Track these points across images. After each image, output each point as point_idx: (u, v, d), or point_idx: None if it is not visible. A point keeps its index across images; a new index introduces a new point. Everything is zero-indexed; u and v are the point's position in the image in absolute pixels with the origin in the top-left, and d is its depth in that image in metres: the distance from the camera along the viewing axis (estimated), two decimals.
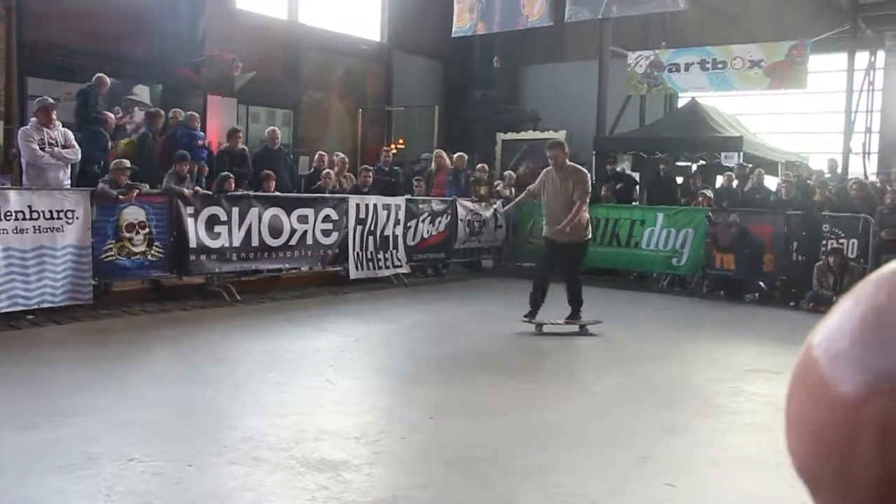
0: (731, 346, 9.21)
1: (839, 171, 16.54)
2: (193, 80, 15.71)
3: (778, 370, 7.49)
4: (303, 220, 11.51)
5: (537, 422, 5.73)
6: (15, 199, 8.66)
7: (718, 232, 12.83)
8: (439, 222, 13.82)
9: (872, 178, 17.18)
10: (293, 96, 19.01)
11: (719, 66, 17.54)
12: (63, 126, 9.86)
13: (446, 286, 13.35)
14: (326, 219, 11.84)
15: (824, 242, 12.07)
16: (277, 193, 11.56)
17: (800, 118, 20.46)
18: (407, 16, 21.42)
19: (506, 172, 16.89)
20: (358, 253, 12.28)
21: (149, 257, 9.84)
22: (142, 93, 15.43)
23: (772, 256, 12.54)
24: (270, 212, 11.09)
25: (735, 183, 14.91)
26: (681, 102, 20.37)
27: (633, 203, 15.73)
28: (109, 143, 11.20)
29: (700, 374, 7.58)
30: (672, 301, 12.36)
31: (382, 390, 6.82)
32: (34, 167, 9.48)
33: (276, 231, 11.14)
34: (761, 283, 12.49)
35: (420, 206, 13.54)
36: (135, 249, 9.69)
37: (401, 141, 20.01)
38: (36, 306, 8.76)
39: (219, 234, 10.50)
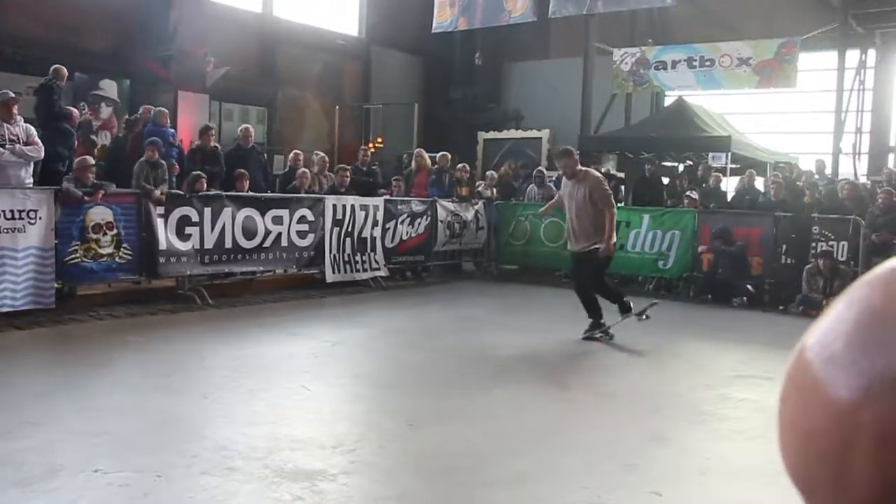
0: (718, 351, 9.25)
1: (827, 172, 16.68)
2: (163, 75, 15.63)
3: (767, 375, 7.52)
4: (277, 221, 11.46)
5: (519, 429, 5.73)
6: None
7: (703, 235, 12.89)
8: (419, 224, 13.80)
9: (863, 178, 17.34)
10: (268, 93, 18.97)
11: (707, 63, 17.67)
12: (25, 122, 9.77)
13: (426, 290, 13.33)
14: (302, 220, 11.80)
15: (814, 245, 12.16)
16: (251, 193, 11.52)
17: (789, 118, 20.62)
18: (386, 10, 21.43)
19: (487, 172, 16.91)
20: (335, 255, 12.24)
21: (116, 259, 9.76)
22: (109, 88, 15.33)
23: (760, 259, 12.62)
24: (244, 212, 11.04)
25: (722, 183, 15.02)
26: (667, 101, 20.51)
27: (619, 204, 15.78)
28: (75, 141, 11.11)
29: (687, 380, 7.60)
30: (658, 305, 12.38)
31: (359, 397, 6.79)
32: None
33: (249, 232, 11.09)
34: (749, 287, 12.56)
35: (399, 207, 13.52)
36: (101, 251, 9.61)
37: (379, 140, 20.00)
38: None
39: (190, 235, 10.44)
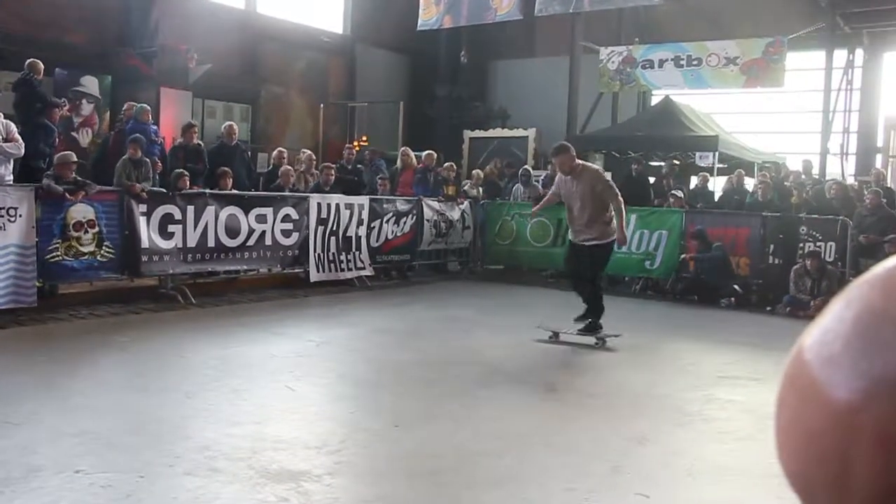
0: (705, 352, 9.29)
1: (815, 172, 16.78)
2: (145, 71, 15.55)
3: (754, 377, 7.57)
4: (261, 219, 11.43)
5: (505, 430, 5.73)
6: None
7: (689, 238, 12.94)
8: (404, 223, 13.80)
9: (850, 179, 17.46)
10: (251, 90, 18.91)
11: (694, 63, 17.73)
12: (5, 118, 9.71)
13: (411, 289, 13.32)
14: (286, 218, 11.77)
15: (801, 245, 12.23)
16: (234, 191, 11.49)
17: (777, 117, 20.72)
18: (371, 7, 21.40)
19: (474, 171, 16.93)
20: (319, 254, 12.23)
21: (98, 258, 9.71)
22: (90, 84, 15.24)
23: (748, 260, 12.68)
24: (227, 211, 11.01)
25: (710, 183, 15.09)
26: (654, 100, 20.56)
27: None
28: (56, 137, 11.05)
29: (673, 381, 7.63)
30: (645, 305, 12.46)
31: (344, 397, 6.79)
32: None
33: (233, 231, 11.06)
34: (736, 287, 12.61)
35: (384, 205, 13.51)
36: (83, 249, 9.56)
37: (364, 138, 19.95)
38: None
39: (172, 233, 10.40)
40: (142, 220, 10.07)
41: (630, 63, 18.48)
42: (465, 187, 15.84)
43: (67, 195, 9.32)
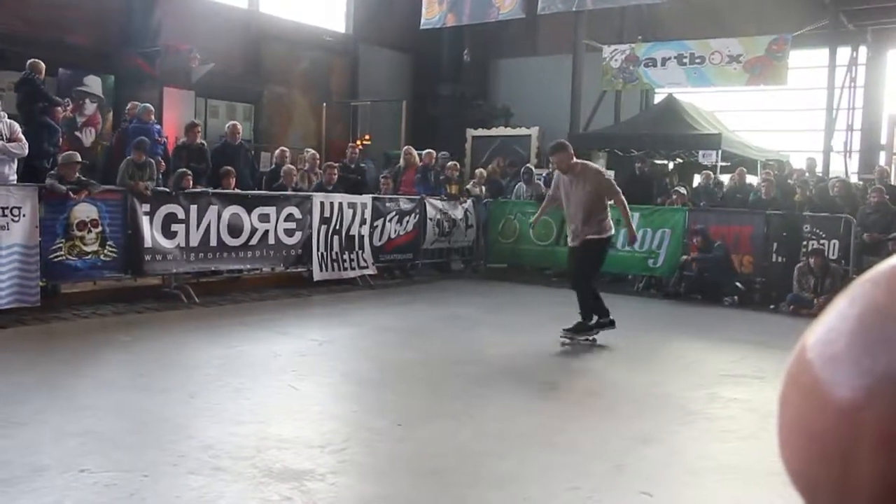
0: (708, 351, 9.28)
1: (818, 170, 16.75)
2: (148, 71, 15.56)
3: (757, 375, 7.56)
4: (264, 218, 11.44)
5: (508, 429, 5.73)
6: None
7: (690, 236, 12.92)
8: (407, 222, 13.80)
9: (854, 177, 17.43)
10: (254, 90, 18.92)
11: (697, 60, 17.71)
12: (8, 118, 9.72)
13: (414, 288, 13.32)
14: (289, 218, 11.78)
15: (805, 243, 12.20)
16: (237, 191, 11.49)
17: (780, 115, 20.69)
18: (373, 6, 21.40)
19: (476, 170, 16.92)
20: (322, 253, 12.23)
21: (101, 257, 9.73)
22: (93, 84, 15.26)
23: (751, 258, 12.66)
24: (230, 210, 11.01)
25: (712, 181, 15.07)
26: (657, 98, 20.55)
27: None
28: (60, 137, 11.07)
29: (676, 380, 7.62)
30: (648, 304, 12.45)
31: (347, 396, 6.79)
32: None
33: (236, 230, 11.07)
34: (739, 285, 12.59)
35: (387, 204, 13.51)
36: (86, 249, 9.57)
37: (367, 137, 19.97)
38: None
39: (176, 233, 10.41)
40: (145, 220, 10.09)
41: (633, 61, 18.46)
42: (469, 186, 15.83)
43: (71, 194, 9.33)
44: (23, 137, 9.61)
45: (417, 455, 5.16)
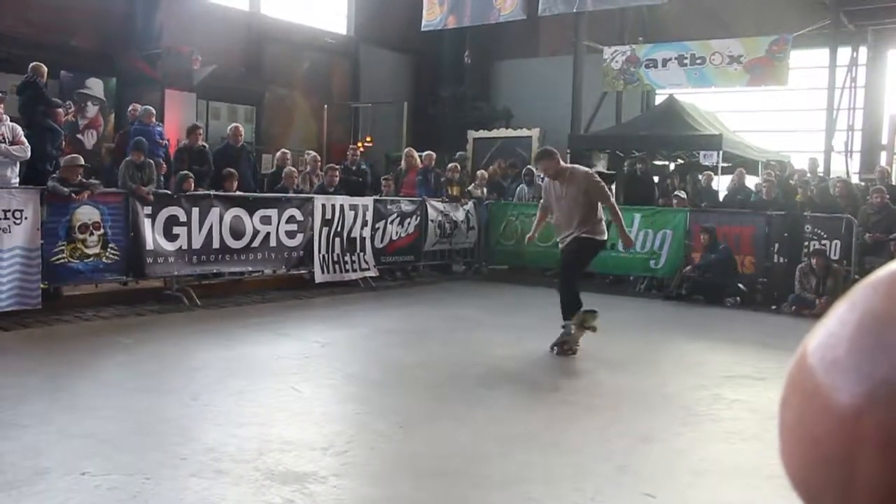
0: (710, 351, 9.26)
1: (820, 170, 16.73)
2: (150, 73, 15.58)
3: (760, 376, 7.55)
4: (266, 221, 11.44)
5: (510, 430, 5.73)
6: None
7: (694, 237, 12.91)
8: (408, 224, 13.80)
9: (855, 177, 17.42)
10: (255, 91, 18.93)
11: (698, 61, 17.71)
12: (11, 121, 9.73)
13: (416, 290, 13.32)
14: (291, 220, 11.78)
15: (806, 244, 12.20)
16: (239, 193, 11.49)
17: (781, 116, 20.68)
18: (374, 8, 21.41)
19: (478, 172, 16.91)
20: (324, 255, 12.23)
21: (103, 260, 9.72)
22: (95, 86, 15.28)
23: (752, 258, 12.65)
24: (232, 212, 11.01)
25: (714, 182, 15.07)
26: (658, 99, 20.54)
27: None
28: (63, 140, 11.07)
29: (679, 381, 7.61)
30: (650, 305, 12.44)
31: (350, 398, 6.78)
32: None
33: (237, 232, 11.07)
34: (741, 286, 12.57)
35: (388, 206, 13.51)
36: (88, 251, 9.57)
37: (368, 139, 19.98)
38: None
39: (177, 235, 10.41)
40: (147, 222, 10.09)
41: (634, 62, 18.47)
42: (470, 187, 15.84)
43: (73, 195, 9.32)
44: (25, 140, 9.61)
45: (420, 457, 5.16)
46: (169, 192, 10.65)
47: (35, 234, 9.02)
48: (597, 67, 18.57)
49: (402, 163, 15.24)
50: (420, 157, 15.12)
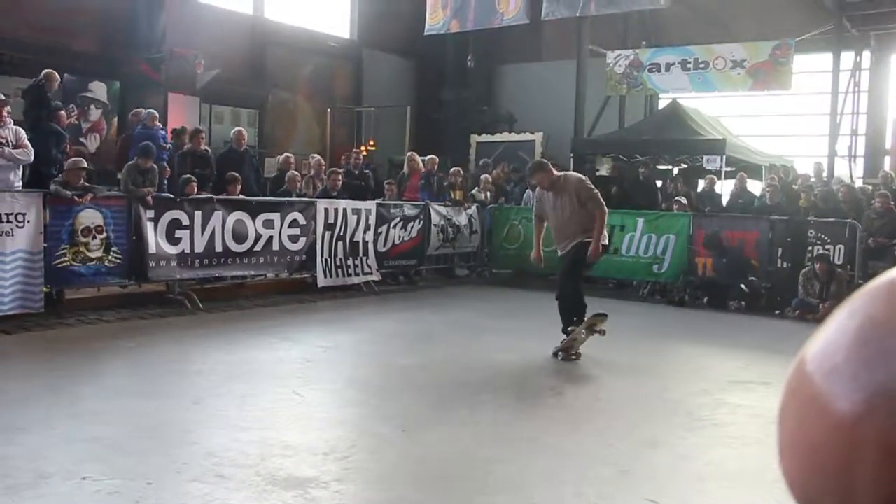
0: (714, 357, 9.26)
1: (825, 175, 16.70)
2: (153, 77, 15.60)
3: (764, 381, 7.54)
4: (269, 224, 11.44)
5: (513, 435, 5.72)
6: None
7: (698, 241, 12.90)
8: (411, 228, 13.79)
9: (859, 182, 17.38)
10: (258, 95, 18.94)
11: (701, 66, 17.69)
12: (14, 124, 9.74)
13: (419, 294, 13.32)
14: (293, 224, 11.78)
15: (810, 248, 12.19)
16: (242, 197, 11.49)
17: (784, 120, 20.67)
18: (378, 12, 21.41)
19: (482, 175, 16.90)
20: (326, 259, 12.22)
21: (106, 263, 9.72)
22: (98, 90, 15.30)
23: (756, 263, 12.63)
24: (234, 216, 11.01)
25: (717, 186, 15.06)
26: (661, 104, 20.51)
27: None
28: (67, 144, 11.08)
29: (682, 386, 7.60)
30: (653, 310, 12.42)
31: (352, 403, 6.78)
32: None
33: (240, 236, 11.07)
34: (743, 286, 12.49)
35: (391, 210, 13.51)
36: (91, 255, 9.57)
37: (371, 143, 19.98)
38: None
39: (180, 239, 10.41)
40: (149, 226, 10.08)
41: (637, 67, 18.45)
42: (474, 191, 15.84)
43: (76, 198, 9.33)
44: (28, 144, 9.61)
45: (423, 461, 5.15)
46: (172, 195, 10.65)
47: (38, 238, 9.02)
48: (600, 72, 18.55)
49: (405, 167, 15.23)
50: (423, 161, 15.11)
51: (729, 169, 16.20)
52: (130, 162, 10.53)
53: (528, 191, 15.52)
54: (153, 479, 4.55)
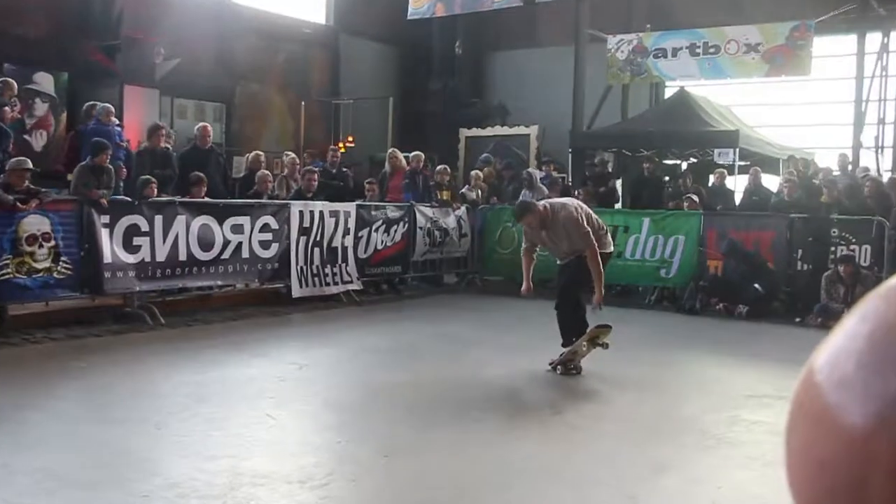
0: (729, 369, 9.28)
1: (850, 168, 16.73)
2: (107, 67, 15.53)
3: (783, 395, 7.53)
4: (237, 229, 11.42)
5: (508, 459, 5.71)
6: None
7: (710, 242, 12.93)
8: (395, 231, 13.80)
9: (887, 174, 17.44)
10: (225, 87, 18.92)
11: (711, 50, 17.74)
12: None
13: (403, 304, 13.33)
14: (265, 228, 11.76)
15: (833, 249, 12.23)
16: (207, 199, 11.47)
17: (803, 109, 20.75)
18: None
19: (472, 172, 16.92)
20: (302, 267, 12.21)
21: (54, 275, 9.66)
22: (44, 81, 15.21)
23: (773, 266, 12.66)
24: (199, 220, 10.99)
25: (728, 181, 15.11)
26: (668, 92, 20.59)
27: (617, 205, 15.84)
28: (11, 143, 11.02)
29: (694, 402, 7.62)
30: (661, 318, 12.45)
31: (330, 426, 6.77)
32: None
33: (206, 243, 11.04)
34: (757, 286, 12.45)
35: (373, 213, 13.51)
36: (37, 266, 9.50)
37: (350, 139, 19.99)
38: None
39: (139, 246, 10.37)
40: (104, 233, 10.03)
41: (641, 52, 18.50)
42: (464, 190, 15.85)
43: (19, 205, 9.25)
44: None
45: (408, 489, 5.14)
46: (129, 199, 10.61)
47: None
48: (600, 58, 18.60)
49: (387, 164, 15.24)
50: (407, 157, 15.12)
51: (743, 163, 16.26)
52: (82, 162, 10.48)
53: (523, 191, 15.52)
54: None
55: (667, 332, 11.14)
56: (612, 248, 8.79)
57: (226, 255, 11.29)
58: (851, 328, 0.51)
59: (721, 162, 16.17)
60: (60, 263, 9.69)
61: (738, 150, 15.87)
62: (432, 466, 5.53)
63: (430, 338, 10.36)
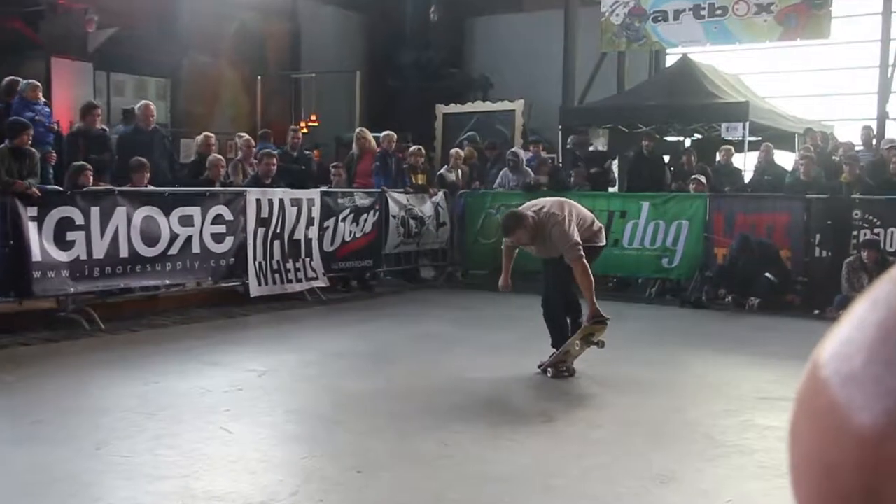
0: (739, 368, 9.32)
1: (874, 142, 16.79)
2: (29, 36, 15.40)
3: None
4: (186, 221, 11.40)
5: (491, 472, 5.73)
6: None
7: (717, 227, 12.96)
8: (365, 221, 13.80)
9: None
10: (170, 61, 18.83)
11: (718, 12, 17.77)
12: None
13: (375, 303, 13.35)
14: (218, 219, 11.75)
15: (855, 233, 12.27)
16: (151, 188, 11.44)
17: (822, 77, 20.81)
18: None
19: (451, 151, 16.88)
20: (260, 263, 12.21)
21: None
22: None
23: (788, 252, 12.69)
24: (143, 212, 10.95)
25: (736, 159, 15.16)
26: (669, 61, 20.63)
27: (612, 188, 15.87)
28: None
29: (700, 405, 7.66)
30: (663, 313, 12.50)
31: (294, 439, 6.77)
32: None
33: (150, 237, 11.01)
34: (769, 275, 12.47)
35: (339, 200, 13.50)
36: None
37: (313, 118, 19.96)
38: None
39: (73, 242, 10.32)
40: (31, 227, 9.95)
41: (639, 15, 18.53)
42: (442, 171, 15.84)
43: None
44: None
45: None
46: (60, 188, 10.56)
47: None
48: (593, 23, 18.64)
49: (355, 146, 15.22)
50: (377, 138, 15.10)
51: (753, 139, 16.33)
52: (1, 145, 10.38)
53: (504, 170, 15.52)
54: None
55: (669, 328, 11.20)
56: (604, 242, 8.84)
57: (173, 251, 11.26)
58: (861, 316, 0.51)
59: (729, 137, 16.23)
60: None
61: (747, 123, 15.92)
62: (409, 483, 5.56)
63: (406, 339, 10.38)
